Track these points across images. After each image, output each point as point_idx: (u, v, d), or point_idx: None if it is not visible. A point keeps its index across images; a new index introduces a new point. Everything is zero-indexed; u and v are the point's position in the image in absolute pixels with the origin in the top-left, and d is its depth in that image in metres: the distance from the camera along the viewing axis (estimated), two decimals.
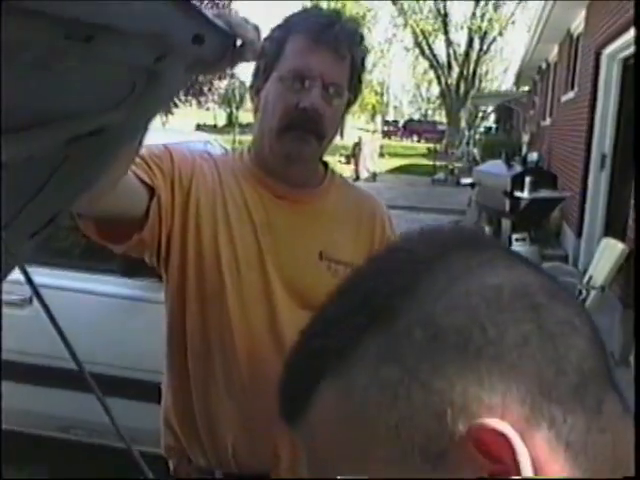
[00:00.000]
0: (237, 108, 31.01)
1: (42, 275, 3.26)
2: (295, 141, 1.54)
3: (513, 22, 35.54)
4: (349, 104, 1.65)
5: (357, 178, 21.01)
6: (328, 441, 0.52)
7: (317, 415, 0.53)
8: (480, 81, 41.98)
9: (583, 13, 10.94)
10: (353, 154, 22.56)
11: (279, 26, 1.58)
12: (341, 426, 0.51)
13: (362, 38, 1.63)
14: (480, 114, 36.86)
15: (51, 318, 1.05)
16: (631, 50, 7.78)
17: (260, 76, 1.59)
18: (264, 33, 1.23)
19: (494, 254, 0.55)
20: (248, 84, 1.69)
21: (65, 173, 0.97)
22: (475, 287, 0.50)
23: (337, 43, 1.51)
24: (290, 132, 1.53)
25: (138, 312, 3.19)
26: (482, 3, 34.80)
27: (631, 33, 7.31)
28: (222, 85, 24.52)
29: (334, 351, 0.51)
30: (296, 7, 1.80)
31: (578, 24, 11.63)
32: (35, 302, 2.88)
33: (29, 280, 1.06)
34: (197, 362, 1.60)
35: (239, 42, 1.03)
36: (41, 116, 0.79)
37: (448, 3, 35.36)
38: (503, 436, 0.44)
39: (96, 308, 3.32)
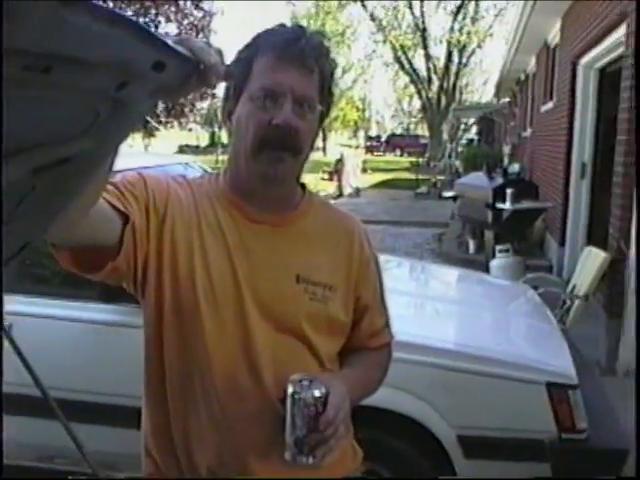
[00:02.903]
0: (219, 128, 31.05)
1: (23, 304, 3.25)
2: (271, 160, 1.53)
3: (491, 34, 35.72)
4: (322, 118, 1.64)
5: (340, 194, 21.06)
6: None
7: None
8: (461, 94, 42.28)
9: (558, 24, 11.05)
10: (336, 170, 22.62)
11: (246, 47, 1.58)
12: None
13: (328, 50, 1.62)
14: (462, 126, 36.99)
15: (12, 343, 1.04)
16: (606, 59, 7.87)
17: (231, 99, 1.59)
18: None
19: None
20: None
21: (34, 202, 0.97)
22: None
23: (304, 57, 1.51)
24: (265, 151, 1.52)
25: (119, 337, 3.17)
26: (460, 17, 35.03)
27: (605, 43, 7.40)
28: (204, 105, 24.55)
29: None
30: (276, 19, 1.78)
31: (554, 35, 11.75)
32: (14, 330, 2.86)
33: None
34: (174, 386, 1.59)
35: (203, 66, 1.03)
36: (6, 147, 0.79)
37: (427, 18, 35.57)
38: None
39: (77, 335, 3.30)
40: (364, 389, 1.73)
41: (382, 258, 5.30)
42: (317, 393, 1.42)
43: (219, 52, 1.07)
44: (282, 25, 1.64)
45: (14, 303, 3.09)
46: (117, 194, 1.43)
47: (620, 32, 6.53)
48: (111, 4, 18.73)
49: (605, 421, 3.31)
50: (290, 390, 1.42)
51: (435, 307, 4.26)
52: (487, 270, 8.52)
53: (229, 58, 1.56)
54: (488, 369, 3.13)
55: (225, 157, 1.68)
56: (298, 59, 1.51)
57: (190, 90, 1.05)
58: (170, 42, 0.91)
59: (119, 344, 3.16)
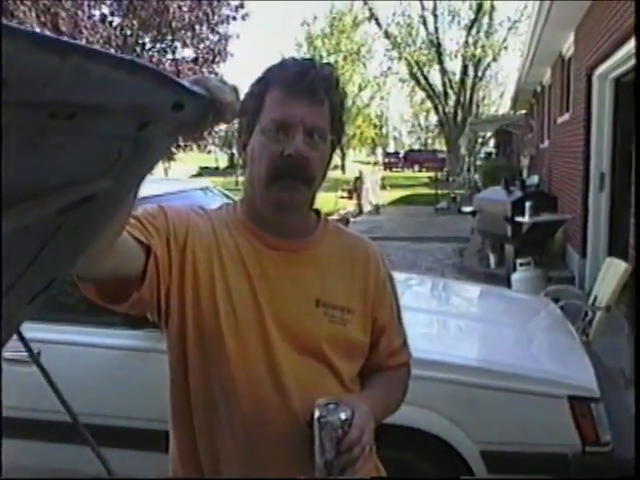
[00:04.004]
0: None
1: (49, 331, 3.30)
2: (285, 190, 1.57)
3: (505, 47, 35.70)
4: (334, 147, 1.68)
5: (360, 212, 21.07)
6: None
7: None
8: (477, 107, 42.15)
9: (572, 36, 11.06)
10: (355, 188, 22.63)
11: (257, 80, 1.62)
12: None
13: (338, 81, 1.66)
14: (479, 140, 36.94)
15: (42, 370, 1.08)
16: (621, 70, 7.87)
17: (244, 131, 1.64)
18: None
19: None
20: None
21: (60, 240, 1.00)
22: None
23: (314, 89, 1.56)
24: (278, 181, 1.56)
25: (145, 362, 3.22)
26: (474, 31, 35.06)
27: (619, 54, 7.40)
28: (222, 128, 24.70)
29: None
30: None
31: (569, 47, 11.74)
32: (42, 358, 2.91)
33: (23, 341, 1.10)
34: (200, 410, 1.62)
35: (219, 104, 1.07)
36: (32, 190, 0.83)
37: (441, 33, 35.63)
38: None
39: (104, 361, 3.35)
40: (386, 409, 1.76)
41: (404, 276, 5.31)
42: (343, 416, 1.45)
43: (234, 89, 1.12)
44: (292, 58, 1.69)
45: (42, 331, 3.14)
46: (139, 227, 1.48)
47: (633, 43, 6.53)
48: (129, 32, 19.01)
49: (629, 433, 3.30)
50: (317, 414, 1.46)
51: (457, 324, 4.26)
52: (509, 283, 8.50)
53: (246, 82, 1.62)
54: (510, 384, 3.14)
55: (243, 178, 1.73)
56: (308, 92, 1.55)
57: (207, 127, 1.09)
58: (187, 83, 0.96)
59: (145, 369, 3.20)
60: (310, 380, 1.61)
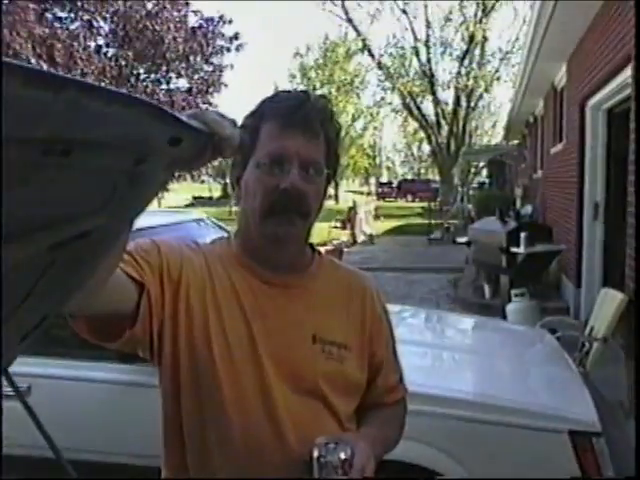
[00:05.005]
0: None
1: (41, 365, 3.26)
2: (280, 224, 1.55)
3: (498, 78, 35.94)
4: (329, 180, 1.66)
5: (354, 242, 21.07)
6: None
7: None
8: (470, 137, 42.37)
9: (564, 68, 11.14)
10: (348, 218, 22.66)
11: (251, 114, 1.61)
12: None
13: (333, 113, 1.65)
14: (472, 169, 37.10)
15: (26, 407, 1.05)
16: (613, 100, 7.91)
17: (238, 165, 1.62)
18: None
19: None
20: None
21: (52, 278, 0.97)
22: None
23: (309, 122, 1.54)
24: (274, 215, 1.54)
25: (137, 397, 3.17)
26: (466, 62, 35.34)
27: (612, 85, 7.44)
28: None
29: None
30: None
31: (561, 78, 11.83)
32: (32, 393, 2.86)
33: (10, 381, 1.06)
34: (193, 447, 1.59)
35: (217, 138, 1.04)
36: (24, 226, 0.81)
37: (433, 64, 35.88)
38: None
39: (96, 396, 3.30)
40: (384, 446, 1.72)
41: (397, 308, 5.28)
42: (343, 455, 1.42)
43: (233, 123, 1.09)
44: (286, 91, 1.67)
45: (31, 365, 3.09)
46: (132, 263, 1.45)
47: (626, 74, 6.58)
48: (124, 63, 19.12)
49: (630, 467, 3.26)
50: (316, 454, 1.42)
51: (453, 357, 4.23)
52: (503, 314, 8.48)
53: (240, 112, 1.60)
54: (509, 419, 3.10)
55: (237, 209, 1.70)
56: (303, 125, 1.54)
57: (205, 161, 1.06)
58: (184, 117, 0.93)
59: (138, 404, 3.15)
60: (306, 418, 1.58)
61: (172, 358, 1.56)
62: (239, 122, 1.20)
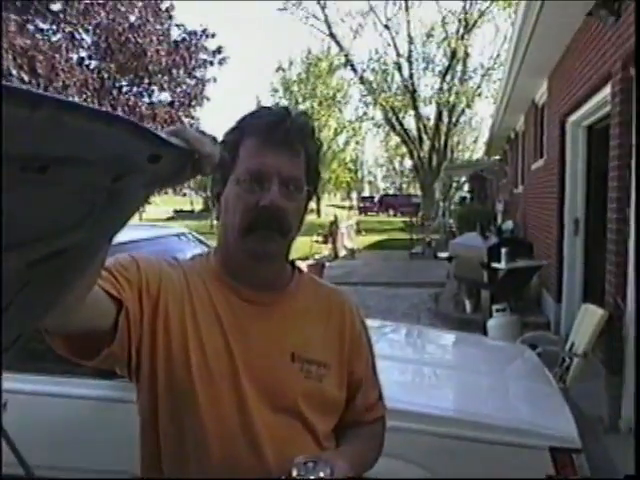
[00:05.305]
0: None
1: (17, 381, 3.22)
2: (260, 241, 1.55)
3: (479, 94, 36.16)
4: (309, 196, 1.66)
5: (336, 256, 21.07)
6: None
7: None
8: (452, 152, 42.58)
9: (545, 84, 11.23)
10: (330, 233, 22.66)
11: (231, 130, 1.60)
12: None
13: (314, 130, 1.65)
14: (454, 184, 37.28)
15: None
16: (594, 117, 7.98)
17: (218, 181, 1.62)
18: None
19: None
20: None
21: (29, 295, 0.96)
22: None
23: (289, 139, 1.54)
24: (254, 232, 1.54)
25: (115, 413, 3.13)
26: (448, 77, 35.54)
27: (592, 102, 7.51)
28: None
29: None
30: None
31: (542, 94, 11.92)
32: (8, 409, 2.81)
33: None
34: (171, 464, 1.57)
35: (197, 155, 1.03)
36: (0, 243, 0.80)
37: (415, 79, 36.05)
38: None
39: (72, 412, 3.26)
40: (363, 464, 1.72)
41: (377, 323, 5.27)
42: (322, 474, 1.41)
43: (213, 140, 1.08)
44: (266, 107, 1.67)
45: (8, 380, 3.06)
46: (111, 279, 1.43)
47: (605, 92, 6.64)
48: (106, 75, 19.07)
49: None
50: (295, 472, 1.41)
51: (434, 373, 4.22)
52: (484, 329, 8.50)
53: (222, 125, 1.59)
54: (489, 436, 3.09)
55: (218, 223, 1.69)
56: (283, 142, 1.53)
57: (185, 179, 1.05)
58: (164, 135, 0.92)
59: (115, 419, 3.11)
60: (284, 435, 1.57)
61: (150, 374, 1.54)
62: (220, 137, 1.19)
